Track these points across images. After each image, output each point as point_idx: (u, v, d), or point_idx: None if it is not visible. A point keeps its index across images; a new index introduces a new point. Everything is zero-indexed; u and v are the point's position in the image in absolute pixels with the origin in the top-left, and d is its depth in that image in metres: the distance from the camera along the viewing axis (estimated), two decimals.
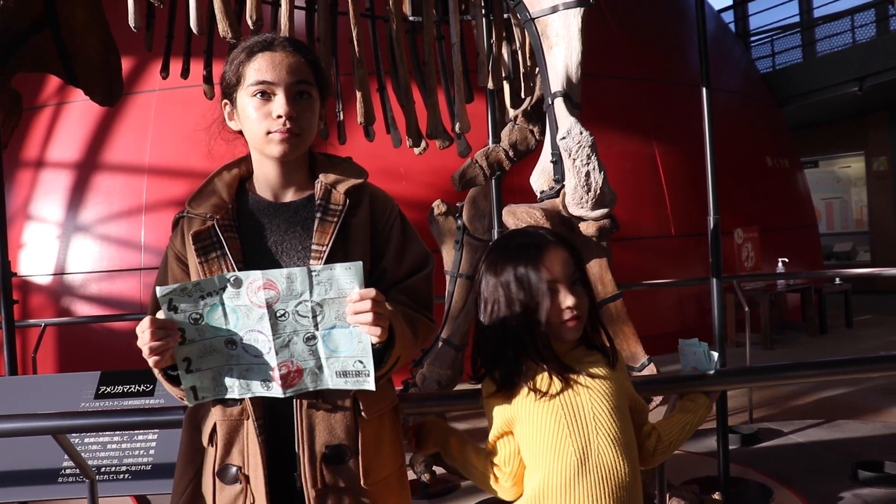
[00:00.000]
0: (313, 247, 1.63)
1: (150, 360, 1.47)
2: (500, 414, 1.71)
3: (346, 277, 1.46)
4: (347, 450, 1.61)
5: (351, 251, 1.65)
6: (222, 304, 1.49)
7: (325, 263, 1.59)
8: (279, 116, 1.61)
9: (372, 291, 1.45)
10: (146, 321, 1.45)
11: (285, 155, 1.65)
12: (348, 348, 1.51)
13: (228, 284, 1.48)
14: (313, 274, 1.46)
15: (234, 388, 1.54)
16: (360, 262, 1.46)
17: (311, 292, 1.47)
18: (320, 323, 1.50)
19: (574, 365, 1.69)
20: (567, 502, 1.61)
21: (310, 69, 1.68)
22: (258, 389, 1.54)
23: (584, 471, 1.61)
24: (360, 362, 1.51)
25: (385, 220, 1.75)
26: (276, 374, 1.52)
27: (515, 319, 1.67)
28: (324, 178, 1.71)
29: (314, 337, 1.51)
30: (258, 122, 1.63)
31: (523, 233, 1.82)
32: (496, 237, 3.78)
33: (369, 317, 1.44)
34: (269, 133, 1.63)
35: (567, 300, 1.65)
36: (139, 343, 1.46)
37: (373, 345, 1.51)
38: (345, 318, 1.48)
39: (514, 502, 1.74)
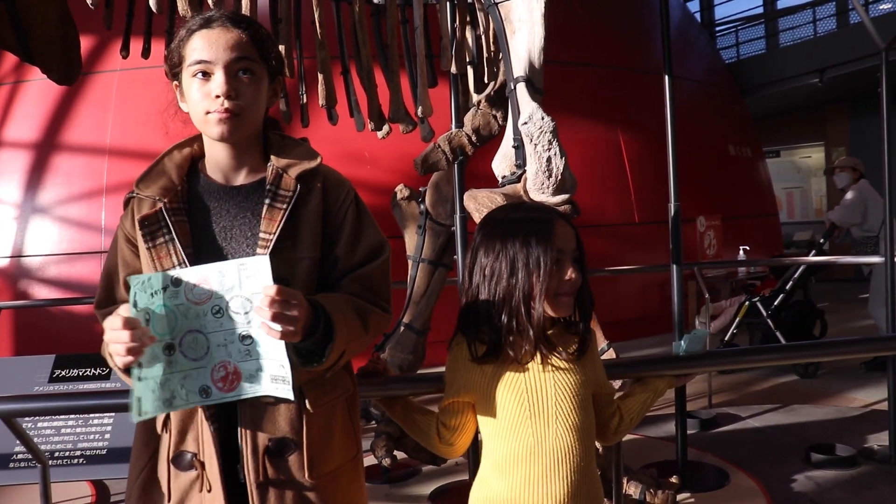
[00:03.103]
0: (260, 234, 1.57)
1: (123, 361, 1.38)
2: (464, 382, 1.71)
3: (263, 272, 1.38)
4: (291, 443, 1.57)
5: (301, 239, 1.60)
6: (165, 304, 1.42)
7: (272, 252, 1.52)
8: (217, 96, 1.54)
9: (272, 289, 1.36)
10: (118, 320, 1.36)
11: (225, 136, 1.57)
12: (273, 351, 1.42)
13: (169, 284, 1.41)
14: (241, 267, 1.39)
15: (172, 400, 1.44)
16: (267, 257, 1.40)
17: (240, 286, 1.40)
18: (252, 321, 1.42)
19: (550, 345, 1.70)
20: (521, 479, 1.65)
21: (252, 45, 1.60)
22: (196, 399, 1.46)
23: (539, 452, 1.65)
24: (282, 367, 1.42)
25: (339, 207, 1.67)
26: (214, 375, 1.44)
27: (516, 289, 1.65)
28: (276, 162, 1.64)
29: (249, 336, 1.43)
30: (198, 102, 1.57)
31: (528, 206, 1.82)
32: (459, 221, 3.78)
33: (268, 314, 1.35)
34: (208, 113, 1.56)
35: (570, 273, 1.67)
36: (111, 341, 1.37)
37: (307, 342, 1.44)
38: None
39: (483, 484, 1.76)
